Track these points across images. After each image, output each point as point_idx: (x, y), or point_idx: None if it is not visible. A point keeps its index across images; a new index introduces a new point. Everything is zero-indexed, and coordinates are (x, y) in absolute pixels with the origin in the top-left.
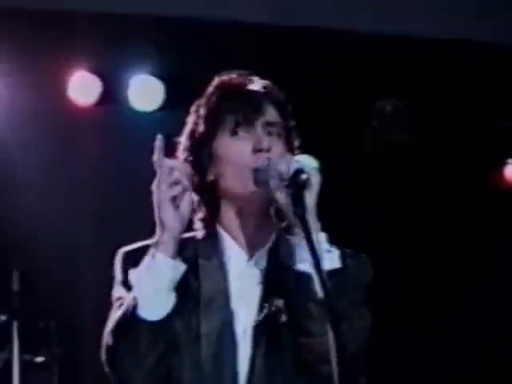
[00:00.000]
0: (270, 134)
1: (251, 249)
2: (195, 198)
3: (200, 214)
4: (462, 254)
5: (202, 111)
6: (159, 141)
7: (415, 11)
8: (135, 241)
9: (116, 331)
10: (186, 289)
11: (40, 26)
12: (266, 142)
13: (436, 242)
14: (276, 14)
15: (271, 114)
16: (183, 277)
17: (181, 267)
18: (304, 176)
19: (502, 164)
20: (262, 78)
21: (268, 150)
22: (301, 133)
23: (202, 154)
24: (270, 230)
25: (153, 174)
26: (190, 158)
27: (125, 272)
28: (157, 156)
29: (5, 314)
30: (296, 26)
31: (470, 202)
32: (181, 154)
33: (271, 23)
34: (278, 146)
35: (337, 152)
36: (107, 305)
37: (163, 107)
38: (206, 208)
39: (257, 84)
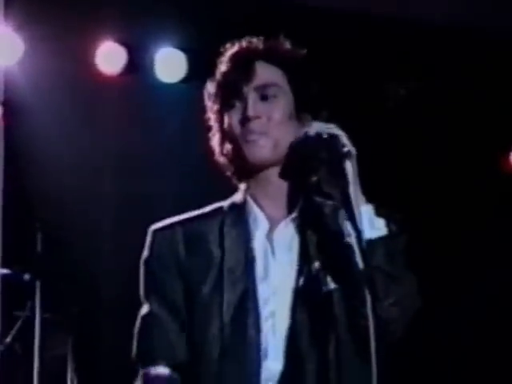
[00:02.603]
0: (264, 97)
1: (278, 215)
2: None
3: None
4: (467, 239)
5: (212, 89)
6: None
7: None
8: (157, 206)
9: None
10: (210, 260)
11: None
12: (252, 109)
13: (441, 228)
14: None
15: (265, 75)
16: (209, 249)
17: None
18: (346, 147)
19: (509, 150)
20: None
21: (257, 117)
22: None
23: (217, 129)
24: (297, 198)
25: (173, 142)
26: (213, 136)
27: (152, 253)
28: None
29: (28, 274)
30: (310, 5)
31: (477, 188)
32: (209, 132)
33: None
34: (275, 109)
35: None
36: (125, 267)
37: (186, 79)
38: (235, 177)
39: (253, 45)
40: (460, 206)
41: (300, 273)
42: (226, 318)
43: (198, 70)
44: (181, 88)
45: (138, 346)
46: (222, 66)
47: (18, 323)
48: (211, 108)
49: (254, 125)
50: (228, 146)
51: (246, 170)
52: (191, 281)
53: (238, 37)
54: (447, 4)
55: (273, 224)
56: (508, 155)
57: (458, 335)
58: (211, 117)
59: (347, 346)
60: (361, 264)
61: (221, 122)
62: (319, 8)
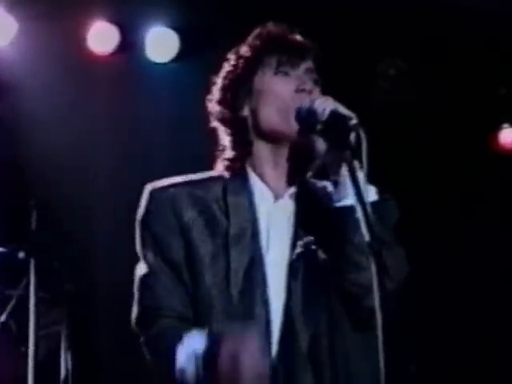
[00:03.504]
0: (315, 81)
1: (279, 189)
2: (226, 138)
3: (228, 153)
4: (457, 218)
5: (244, 52)
6: None
7: None
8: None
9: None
10: (215, 226)
11: None
12: (309, 84)
13: (431, 207)
14: None
15: (310, 62)
16: (212, 214)
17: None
18: (354, 120)
19: (498, 129)
20: None
21: (310, 92)
22: None
23: (240, 89)
24: (297, 171)
25: (164, 121)
26: (225, 96)
27: (153, 211)
28: None
29: (23, 252)
30: None
31: (466, 167)
32: (216, 93)
33: None
34: (316, 92)
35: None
36: (121, 244)
37: (178, 58)
38: (237, 146)
39: (297, 35)
40: (449, 186)
41: (293, 246)
42: (234, 287)
43: (189, 50)
44: (173, 67)
45: (140, 304)
46: (267, 38)
47: (13, 301)
48: (234, 69)
49: (307, 97)
50: (257, 105)
51: (263, 135)
52: (194, 244)
53: (230, 16)
54: None
55: (276, 197)
56: (497, 134)
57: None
58: (231, 77)
59: (339, 316)
60: (367, 236)
61: (250, 81)
62: None
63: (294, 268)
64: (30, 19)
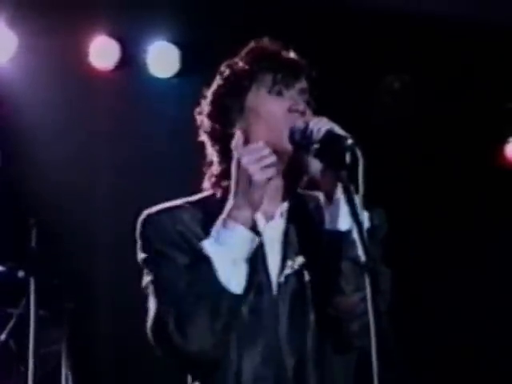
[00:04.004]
0: (307, 103)
1: (269, 210)
2: (214, 153)
3: (216, 169)
4: (462, 233)
5: (239, 67)
6: (239, 137)
7: None
8: (149, 201)
9: (193, 303)
10: None
11: None
12: (302, 105)
13: (436, 220)
14: None
15: (304, 82)
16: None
17: (256, 239)
18: (350, 140)
19: (504, 142)
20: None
21: (303, 113)
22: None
23: (233, 106)
24: (288, 190)
25: (165, 137)
26: (217, 111)
27: (148, 238)
28: (240, 147)
29: (22, 271)
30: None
31: (471, 180)
32: (207, 107)
33: None
34: (308, 113)
35: (344, 125)
36: (121, 263)
37: (179, 74)
38: (226, 163)
39: (292, 53)
40: (455, 199)
41: (283, 267)
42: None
43: (191, 64)
44: (174, 82)
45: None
46: (262, 54)
47: (13, 320)
48: (226, 83)
49: (300, 118)
50: (249, 122)
51: None
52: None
53: (231, 31)
54: None
55: (267, 218)
56: (503, 148)
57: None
58: (221, 95)
59: (326, 340)
60: (363, 257)
61: (243, 98)
62: (316, 4)
63: (281, 290)
64: (31, 35)
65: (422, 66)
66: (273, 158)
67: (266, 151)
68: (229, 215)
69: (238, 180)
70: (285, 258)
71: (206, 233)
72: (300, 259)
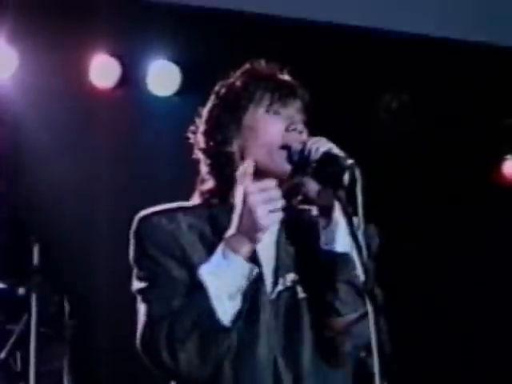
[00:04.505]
0: (299, 120)
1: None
2: (207, 171)
3: (209, 186)
4: (461, 249)
5: (236, 87)
6: (249, 166)
7: (423, 9)
8: None
9: (188, 330)
10: (213, 251)
11: (64, 10)
12: (300, 125)
13: (434, 237)
14: (288, 7)
15: (300, 103)
16: (210, 240)
17: (255, 270)
18: (349, 160)
19: (502, 160)
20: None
21: (300, 132)
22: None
23: (230, 124)
24: (283, 208)
25: (165, 155)
26: (213, 130)
27: (140, 242)
28: (249, 180)
29: (23, 288)
30: (307, 19)
31: (469, 197)
32: (203, 125)
33: (283, 15)
34: (305, 133)
35: (343, 144)
36: (121, 280)
37: (179, 92)
38: (220, 181)
39: (287, 76)
40: (453, 216)
41: (275, 282)
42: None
43: (191, 83)
44: (174, 101)
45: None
46: (258, 75)
47: (14, 337)
48: (222, 102)
49: (298, 137)
50: (246, 141)
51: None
52: (195, 266)
53: (231, 50)
54: (439, 18)
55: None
56: (500, 165)
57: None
58: (220, 114)
59: (322, 356)
60: (362, 277)
61: (240, 117)
62: (315, 22)
63: (274, 306)
64: (32, 52)
65: (420, 86)
66: (281, 202)
67: (276, 193)
68: (229, 245)
69: (242, 215)
70: (276, 275)
71: (202, 242)
72: (292, 276)
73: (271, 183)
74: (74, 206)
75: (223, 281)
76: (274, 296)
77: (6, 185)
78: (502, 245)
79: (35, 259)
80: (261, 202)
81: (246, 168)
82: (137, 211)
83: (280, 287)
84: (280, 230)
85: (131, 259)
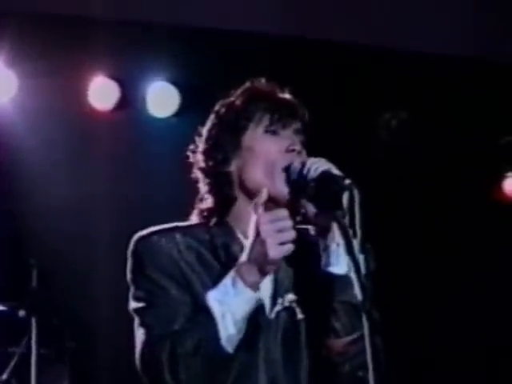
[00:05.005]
0: (298, 140)
1: None
2: (206, 190)
3: (207, 205)
4: (462, 266)
5: (235, 106)
6: (264, 195)
7: (422, 26)
8: None
9: (190, 353)
10: (212, 273)
11: (63, 32)
12: (298, 145)
13: (435, 256)
14: (288, 26)
15: (299, 123)
16: (207, 260)
17: (259, 300)
18: (347, 180)
19: (502, 177)
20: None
21: (299, 153)
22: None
23: (229, 144)
24: None
25: (164, 176)
26: (212, 149)
27: (138, 262)
28: (261, 209)
29: (23, 310)
30: (307, 38)
31: (470, 215)
32: (202, 144)
33: (284, 34)
34: (304, 153)
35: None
36: (120, 302)
37: (178, 113)
38: (218, 200)
39: (287, 94)
40: (454, 235)
41: (273, 303)
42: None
43: (190, 104)
44: (173, 122)
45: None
46: (258, 94)
47: (14, 359)
48: (221, 122)
49: (297, 158)
50: (244, 161)
51: (247, 191)
52: (195, 288)
53: (229, 71)
54: (438, 35)
55: None
56: (500, 183)
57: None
58: (217, 134)
59: (320, 375)
60: (359, 296)
61: (239, 137)
62: (314, 40)
63: (272, 326)
64: (31, 75)
65: (419, 103)
66: (292, 233)
67: (288, 223)
68: (239, 274)
69: (254, 244)
70: (275, 295)
71: (200, 263)
72: (290, 296)
73: (283, 213)
74: (72, 227)
75: (230, 309)
76: (272, 316)
77: (6, 207)
78: (504, 263)
79: (34, 282)
80: (271, 232)
81: (261, 197)
82: (136, 232)
83: (279, 307)
84: None
85: (129, 279)
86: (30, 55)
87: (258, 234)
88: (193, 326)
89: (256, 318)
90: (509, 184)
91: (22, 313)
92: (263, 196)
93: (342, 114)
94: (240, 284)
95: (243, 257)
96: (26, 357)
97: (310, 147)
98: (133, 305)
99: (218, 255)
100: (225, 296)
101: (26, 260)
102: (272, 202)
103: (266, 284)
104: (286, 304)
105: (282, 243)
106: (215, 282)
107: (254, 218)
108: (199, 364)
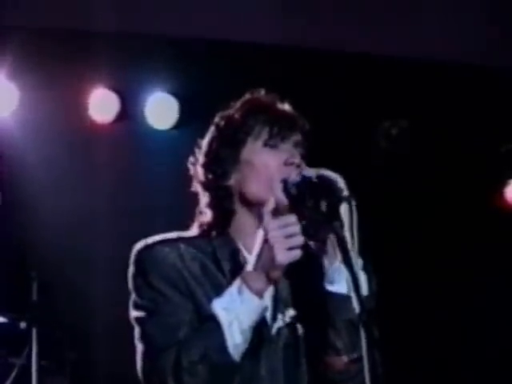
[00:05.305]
0: (298, 153)
1: None
2: (206, 203)
3: (207, 218)
4: (462, 274)
5: (234, 120)
6: (270, 204)
7: (419, 34)
8: None
9: (196, 361)
10: (216, 285)
11: (63, 45)
12: (297, 158)
13: (436, 263)
14: (288, 36)
15: (299, 135)
16: (212, 272)
17: (267, 307)
18: (345, 192)
19: (503, 185)
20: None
21: (298, 166)
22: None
23: (228, 158)
24: None
25: (165, 188)
26: (212, 162)
27: (142, 271)
28: (269, 216)
29: (24, 322)
30: (307, 47)
31: (471, 223)
32: (202, 158)
33: (283, 45)
34: (303, 166)
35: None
36: (121, 314)
37: (178, 125)
38: (218, 213)
39: (287, 106)
40: (455, 243)
41: (274, 318)
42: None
43: (189, 116)
44: (173, 133)
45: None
46: (257, 106)
47: (15, 370)
48: (220, 135)
49: (295, 171)
50: (243, 175)
51: (248, 204)
52: (198, 299)
53: (229, 82)
54: (438, 43)
55: None
56: (502, 190)
57: None
58: (217, 148)
59: None
60: (357, 309)
61: (238, 150)
62: (312, 49)
63: (274, 342)
64: (32, 88)
65: (419, 111)
66: (300, 239)
67: (296, 229)
68: (245, 282)
69: (262, 252)
70: (275, 310)
71: (204, 274)
72: (291, 312)
73: (291, 219)
74: (74, 240)
75: (237, 317)
76: (273, 331)
77: (7, 220)
78: (505, 271)
79: (34, 294)
80: (280, 238)
81: (267, 206)
82: (136, 243)
83: (280, 323)
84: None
85: (131, 287)
86: (30, 68)
87: (266, 240)
88: (198, 334)
89: (259, 328)
90: (509, 191)
91: (22, 324)
92: (270, 204)
93: (342, 122)
94: (246, 291)
95: (249, 266)
96: (26, 368)
97: (310, 156)
98: (134, 313)
99: (222, 267)
100: (231, 304)
101: (26, 273)
102: (273, 213)
103: (267, 297)
104: (287, 320)
105: (291, 248)
106: (218, 293)
107: (262, 226)
108: (204, 372)
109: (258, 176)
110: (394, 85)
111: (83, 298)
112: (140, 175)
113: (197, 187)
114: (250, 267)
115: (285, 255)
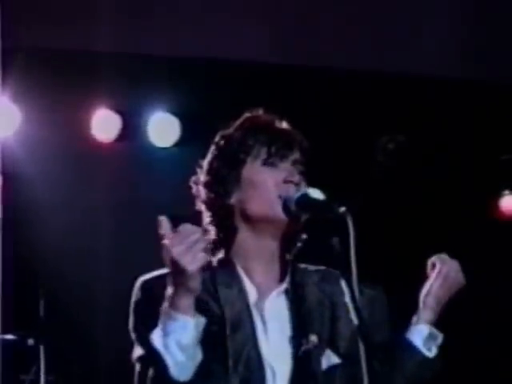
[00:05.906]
0: (301, 173)
1: (266, 285)
2: (210, 222)
3: (211, 235)
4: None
5: (234, 140)
6: (165, 222)
7: (417, 50)
8: (151, 269)
9: None
10: (209, 315)
11: (65, 66)
12: (297, 177)
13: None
14: (286, 54)
15: (298, 153)
16: (205, 302)
17: (202, 322)
18: (343, 208)
19: (499, 196)
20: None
21: (297, 184)
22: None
23: (229, 177)
24: (283, 255)
25: (166, 205)
26: (213, 182)
27: (144, 303)
28: (168, 234)
29: (32, 339)
30: (305, 65)
31: (468, 234)
32: (203, 177)
33: (282, 63)
34: (303, 184)
35: (341, 185)
36: (127, 330)
37: (179, 143)
38: (221, 233)
39: (285, 125)
40: (451, 253)
41: (296, 346)
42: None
43: (190, 134)
44: (174, 152)
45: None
46: (256, 126)
47: None
48: (221, 154)
49: (294, 189)
50: (244, 194)
51: (249, 223)
52: None
53: (229, 101)
54: (435, 58)
55: (261, 292)
56: (497, 201)
57: None
58: (219, 167)
59: None
60: (355, 320)
61: (239, 170)
62: (312, 67)
63: (297, 369)
64: (34, 109)
65: (416, 125)
66: (204, 241)
67: (196, 235)
68: (170, 304)
69: (172, 271)
70: (294, 335)
71: (201, 311)
72: (314, 338)
73: (187, 227)
74: (78, 258)
75: (174, 337)
76: (298, 357)
77: (12, 239)
78: (502, 281)
79: (42, 312)
80: (183, 251)
81: (163, 225)
82: (138, 264)
83: (303, 348)
84: (291, 293)
85: (131, 327)
86: (33, 89)
87: (171, 258)
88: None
89: (259, 353)
90: (506, 202)
91: (30, 341)
92: (164, 227)
93: (340, 137)
94: (173, 313)
95: (168, 288)
96: None
97: (309, 171)
98: (136, 353)
99: (218, 298)
100: (164, 330)
101: (33, 290)
102: (273, 228)
103: (276, 326)
104: (310, 345)
105: (197, 255)
106: (213, 324)
107: (164, 248)
108: None
109: (259, 194)
110: (391, 100)
111: (89, 314)
112: (141, 191)
113: (200, 206)
114: (169, 289)
115: (193, 264)
